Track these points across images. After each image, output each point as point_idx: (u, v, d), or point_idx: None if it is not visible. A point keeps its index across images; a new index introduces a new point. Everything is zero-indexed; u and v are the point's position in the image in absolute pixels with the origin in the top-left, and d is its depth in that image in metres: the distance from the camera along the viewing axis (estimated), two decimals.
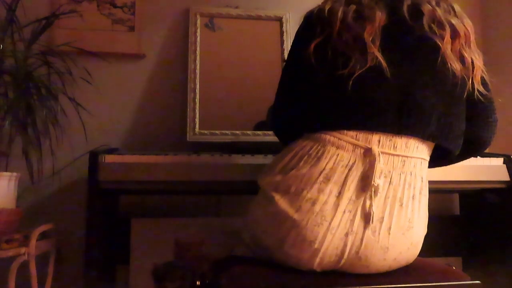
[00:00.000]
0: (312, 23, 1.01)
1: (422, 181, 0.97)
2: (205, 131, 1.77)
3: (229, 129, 1.78)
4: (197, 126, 1.77)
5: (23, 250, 1.37)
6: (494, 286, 1.54)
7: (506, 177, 1.51)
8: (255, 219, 1.02)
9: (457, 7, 1.02)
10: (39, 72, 1.69)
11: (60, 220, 1.62)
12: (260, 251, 1.02)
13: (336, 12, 0.96)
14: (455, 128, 0.99)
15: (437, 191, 1.75)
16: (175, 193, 1.78)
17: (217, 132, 1.77)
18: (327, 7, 0.99)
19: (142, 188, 1.44)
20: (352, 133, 0.93)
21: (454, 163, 1.16)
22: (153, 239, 1.67)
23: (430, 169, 1.05)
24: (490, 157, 1.53)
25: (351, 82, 0.91)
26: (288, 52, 1.14)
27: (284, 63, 1.11)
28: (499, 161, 1.53)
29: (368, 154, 0.92)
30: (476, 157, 1.52)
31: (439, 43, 0.95)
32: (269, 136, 1.78)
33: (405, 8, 0.98)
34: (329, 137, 0.94)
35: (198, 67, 1.83)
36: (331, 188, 0.91)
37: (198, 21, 1.89)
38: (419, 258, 1.03)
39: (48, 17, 1.73)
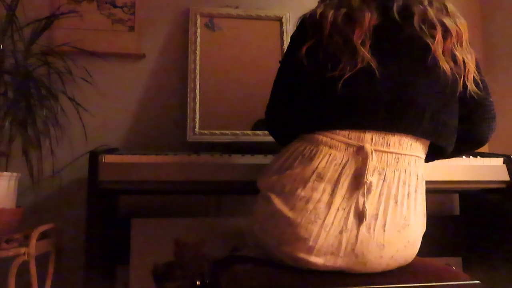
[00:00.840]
0: (305, 26, 1.03)
1: (417, 179, 0.98)
2: (205, 131, 1.77)
3: (229, 129, 1.78)
4: (197, 126, 1.77)
5: (23, 250, 1.37)
6: (494, 286, 1.54)
7: (506, 177, 1.51)
8: (254, 220, 1.03)
9: (450, 6, 1.03)
10: (39, 72, 1.69)
11: (60, 220, 1.62)
12: (260, 250, 1.03)
13: (327, 15, 0.99)
14: (449, 126, 1.00)
15: (437, 191, 1.76)
16: (175, 193, 1.78)
17: (217, 132, 1.77)
18: (319, 11, 1.01)
19: (142, 188, 1.44)
20: (344, 132, 0.95)
21: (453, 157, 1.17)
22: (153, 239, 1.66)
23: (430, 169, 1.05)
24: (490, 157, 1.53)
25: (340, 84, 0.93)
26: (280, 61, 1.16)
27: (278, 70, 1.13)
28: (499, 161, 1.53)
29: (360, 152, 0.93)
30: (476, 156, 1.52)
31: (430, 43, 0.96)
32: (269, 136, 1.76)
33: (395, 8, 0.99)
34: (322, 137, 0.95)
35: (198, 67, 1.83)
36: (325, 187, 0.92)
37: (198, 21, 1.89)
38: (418, 258, 1.03)
39: (48, 17, 1.73)
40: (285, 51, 1.13)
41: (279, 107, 1.11)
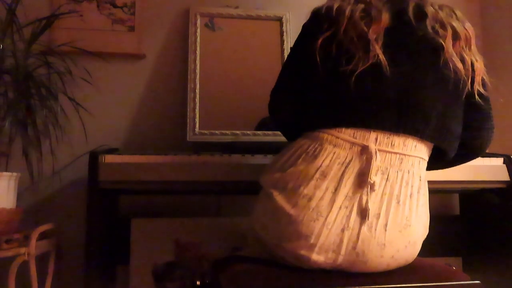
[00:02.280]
0: (320, 19, 1.02)
1: (420, 180, 0.98)
2: (205, 131, 1.77)
3: (229, 129, 1.78)
4: (197, 126, 1.77)
5: (23, 250, 1.37)
6: (494, 286, 1.54)
7: (506, 177, 1.51)
8: (255, 217, 1.03)
9: (458, 12, 1.05)
10: (39, 72, 1.69)
11: (60, 220, 1.62)
12: (261, 249, 1.03)
13: (344, 10, 0.99)
14: (453, 130, 1.00)
15: (437, 191, 1.76)
16: (175, 193, 1.78)
17: (217, 132, 1.77)
18: (335, 6, 1.01)
19: (142, 188, 1.44)
20: (350, 131, 0.95)
21: (449, 167, 1.17)
22: (153, 239, 1.66)
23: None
24: (490, 157, 1.53)
25: (350, 80, 0.93)
26: (291, 47, 1.15)
27: (287, 56, 1.12)
28: (499, 161, 1.53)
29: (365, 152, 0.93)
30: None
31: (442, 42, 0.97)
32: (269, 136, 1.78)
33: (410, 10, 1.00)
34: (327, 135, 0.95)
35: (198, 67, 1.83)
36: (328, 185, 0.92)
37: (198, 21, 1.89)
38: (419, 258, 1.03)
39: (48, 17, 1.73)
40: (295, 40, 1.11)
41: (284, 102, 1.11)
